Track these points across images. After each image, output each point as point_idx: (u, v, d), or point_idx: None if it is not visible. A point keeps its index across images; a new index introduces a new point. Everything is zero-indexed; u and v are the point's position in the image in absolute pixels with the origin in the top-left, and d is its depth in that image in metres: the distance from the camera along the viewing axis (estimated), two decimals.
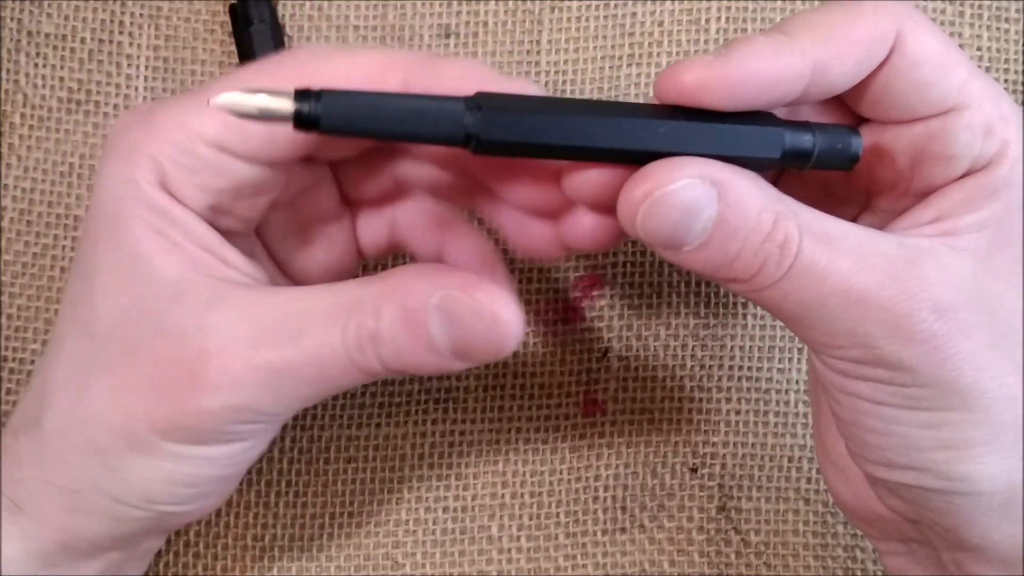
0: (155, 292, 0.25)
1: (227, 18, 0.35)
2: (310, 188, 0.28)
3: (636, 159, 0.24)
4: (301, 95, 0.22)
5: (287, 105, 0.22)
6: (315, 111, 0.22)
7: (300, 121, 0.22)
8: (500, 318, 0.25)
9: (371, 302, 0.25)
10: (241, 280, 0.26)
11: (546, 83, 0.35)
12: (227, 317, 0.25)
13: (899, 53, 0.24)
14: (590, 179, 0.25)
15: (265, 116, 0.22)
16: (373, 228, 0.29)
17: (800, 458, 0.34)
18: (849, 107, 0.26)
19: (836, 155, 0.25)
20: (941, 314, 0.23)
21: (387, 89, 0.24)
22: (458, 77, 0.25)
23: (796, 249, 0.23)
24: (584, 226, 0.26)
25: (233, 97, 0.22)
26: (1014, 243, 0.25)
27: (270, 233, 0.29)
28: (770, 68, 0.23)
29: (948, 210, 0.25)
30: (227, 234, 0.26)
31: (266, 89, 0.22)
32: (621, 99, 0.35)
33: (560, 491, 0.34)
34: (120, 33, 0.35)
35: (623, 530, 0.34)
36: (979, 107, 0.25)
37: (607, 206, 0.25)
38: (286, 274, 0.29)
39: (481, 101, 0.23)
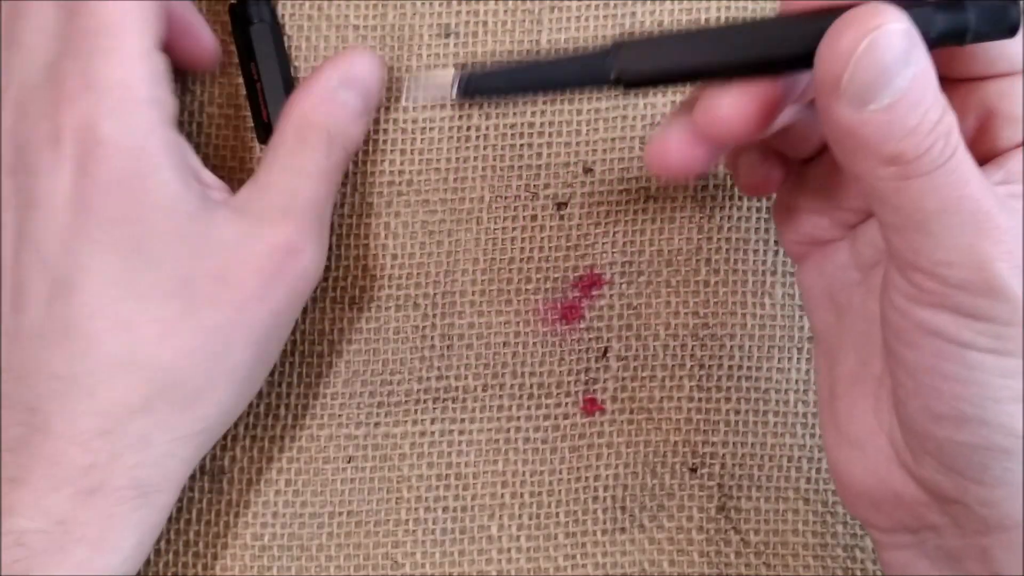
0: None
1: (227, 18, 0.35)
2: None
3: (778, 66, 0.25)
4: (464, 75, 0.26)
5: (447, 79, 0.26)
6: (471, 82, 0.26)
7: (465, 92, 0.26)
8: None
9: None
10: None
11: None
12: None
13: None
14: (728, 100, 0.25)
15: (439, 95, 0.26)
16: None
17: (799, 458, 0.34)
18: None
19: (995, 26, 0.24)
20: None
21: None
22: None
23: (956, 142, 0.23)
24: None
25: (417, 92, 0.27)
26: None
27: None
28: None
29: (1018, 174, 0.25)
30: None
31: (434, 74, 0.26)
32: (620, 98, 0.35)
33: (560, 491, 0.34)
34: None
35: (623, 530, 0.34)
36: None
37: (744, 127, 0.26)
38: None
39: (618, 43, 0.26)
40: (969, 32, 0.24)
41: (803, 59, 0.24)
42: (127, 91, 0.29)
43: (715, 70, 0.25)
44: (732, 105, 0.25)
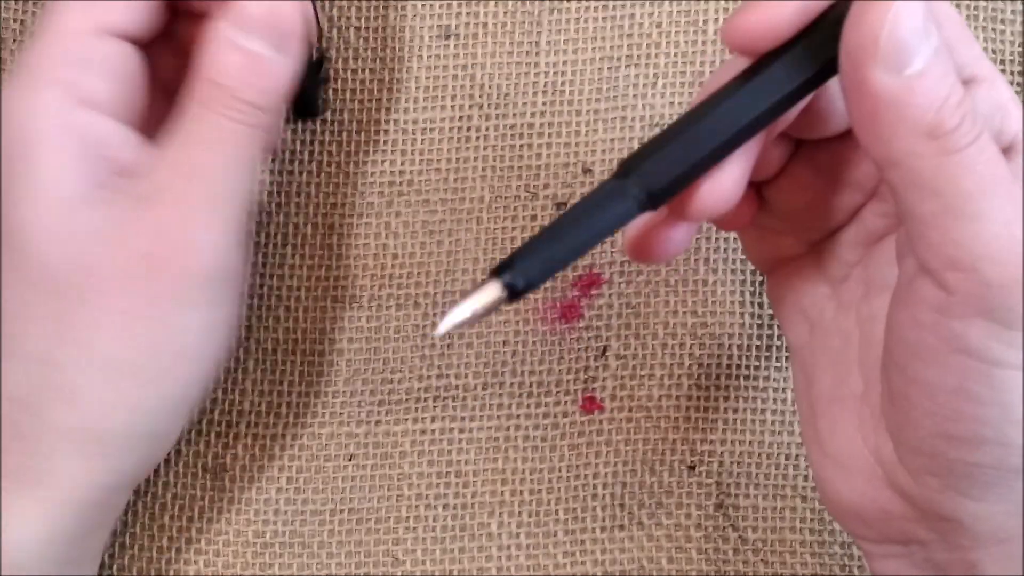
0: None
1: None
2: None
3: (772, 116, 0.25)
4: (500, 273, 0.24)
5: (497, 292, 0.24)
6: (518, 282, 0.24)
7: (512, 296, 0.24)
8: None
9: None
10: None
11: (545, 84, 0.35)
12: None
13: None
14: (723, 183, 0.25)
15: (484, 313, 0.24)
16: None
17: (797, 456, 0.34)
18: None
19: None
20: None
21: None
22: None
23: (980, 122, 0.23)
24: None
25: (456, 317, 0.24)
26: None
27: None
28: None
29: None
30: None
31: (472, 293, 0.24)
32: (619, 100, 0.35)
33: (559, 488, 0.35)
34: None
35: (621, 527, 0.34)
36: (993, 84, 0.25)
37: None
38: None
39: (627, 167, 0.24)
40: None
41: (808, 84, 0.25)
42: (31, 71, 0.28)
43: (732, 144, 0.25)
44: (733, 184, 0.25)
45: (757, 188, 0.29)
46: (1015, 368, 0.23)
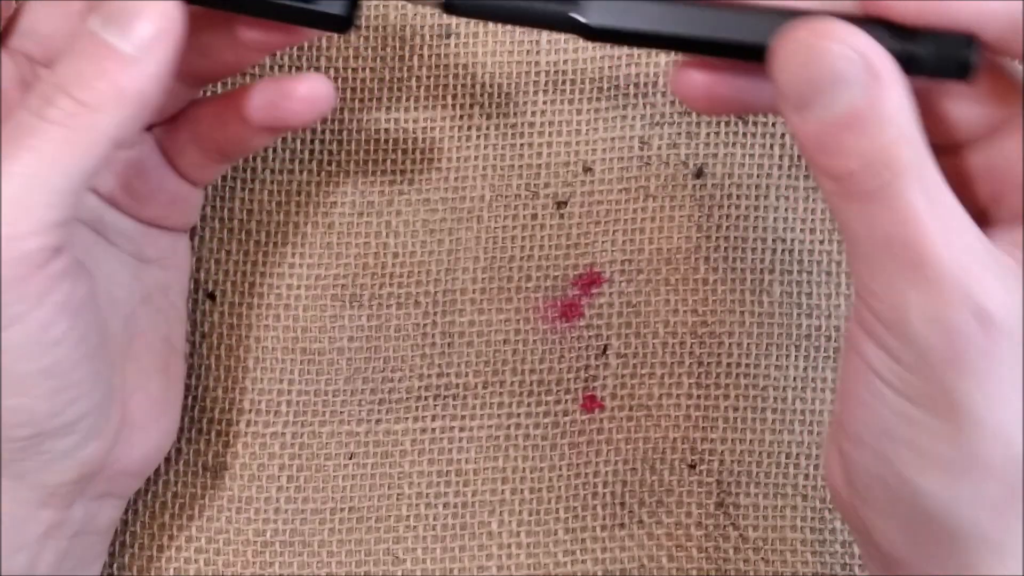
0: None
1: None
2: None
3: (731, 51, 0.25)
4: None
5: None
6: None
7: (448, 7, 0.27)
8: None
9: None
10: None
11: (546, 83, 0.35)
12: None
13: None
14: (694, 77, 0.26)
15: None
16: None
17: (798, 455, 0.34)
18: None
19: (946, 62, 0.24)
20: (985, 326, 0.22)
21: None
22: None
23: (900, 175, 0.22)
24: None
25: None
26: None
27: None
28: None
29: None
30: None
31: None
32: (619, 98, 0.35)
33: (559, 487, 0.35)
34: None
35: (622, 526, 0.34)
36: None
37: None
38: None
39: None
40: (919, 64, 0.24)
41: (755, 51, 0.25)
42: None
43: (672, 41, 0.26)
44: (701, 82, 0.26)
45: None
46: (892, 388, 0.24)
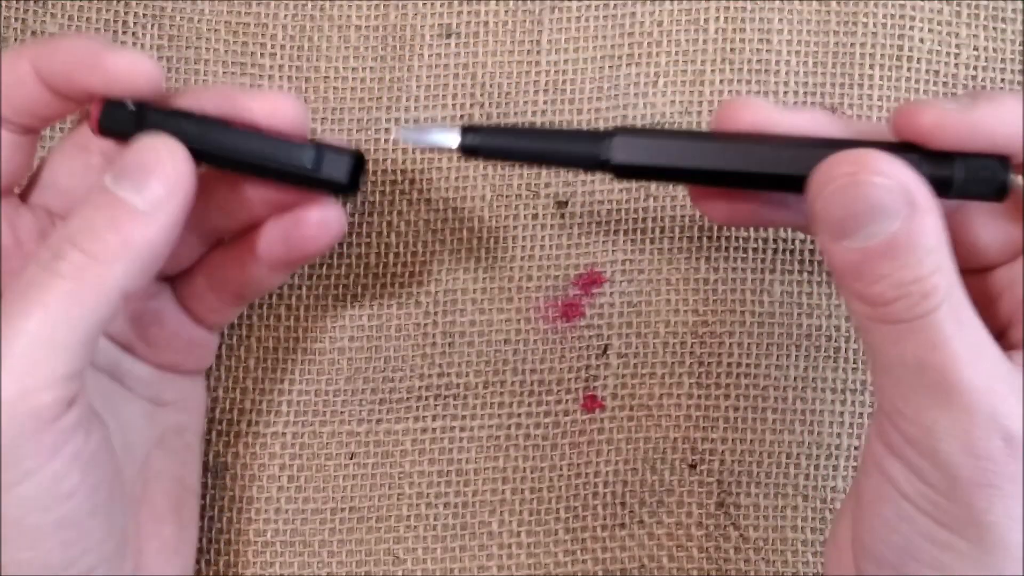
0: None
1: (229, 18, 0.35)
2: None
3: (764, 183, 0.26)
4: (466, 131, 0.27)
5: (454, 141, 0.27)
6: (475, 143, 0.27)
7: (465, 151, 0.27)
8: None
9: None
10: None
11: (546, 83, 0.35)
12: None
13: None
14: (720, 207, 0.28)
15: (436, 148, 0.28)
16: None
17: (798, 455, 0.34)
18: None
19: (981, 184, 0.25)
20: (1012, 448, 0.23)
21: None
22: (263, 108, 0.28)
23: (940, 303, 0.23)
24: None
25: (410, 134, 0.28)
26: None
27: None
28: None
29: None
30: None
31: (436, 127, 0.28)
32: (620, 98, 0.35)
33: (560, 487, 0.35)
34: (124, 33, 0.35)
35: (622, 525, 0.34)
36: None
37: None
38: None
39: (616, 131, 0.27)
40: (954, 186, 0.25)
41: (790, 181, 0.25)
42: None
43: (704, 177, 0.27)
44: (724, 206, 0.27)
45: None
46: (923, 512, 0.24)
